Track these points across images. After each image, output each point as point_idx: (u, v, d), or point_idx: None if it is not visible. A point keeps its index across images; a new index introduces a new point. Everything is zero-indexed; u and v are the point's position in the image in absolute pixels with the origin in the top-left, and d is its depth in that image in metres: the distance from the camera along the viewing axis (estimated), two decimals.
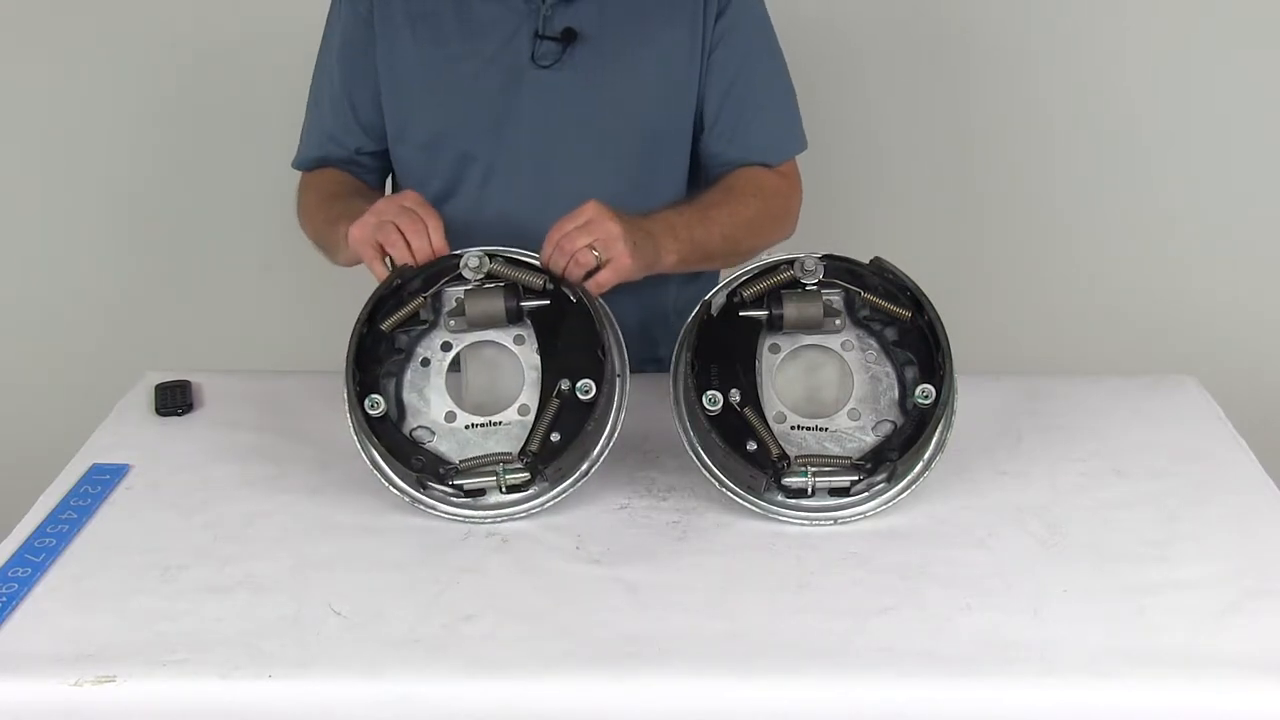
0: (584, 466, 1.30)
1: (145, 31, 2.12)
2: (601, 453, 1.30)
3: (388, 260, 1.30)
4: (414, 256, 1.29)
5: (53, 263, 2.28)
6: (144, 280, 2.29)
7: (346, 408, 1.29)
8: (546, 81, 1.48)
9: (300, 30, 2.10)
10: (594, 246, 1.28)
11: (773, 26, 1.56)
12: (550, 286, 1.31)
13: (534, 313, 1.32)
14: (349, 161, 1.60)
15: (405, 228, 1.29)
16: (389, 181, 1.66)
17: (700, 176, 1.59)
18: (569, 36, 1.46)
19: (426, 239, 1.30)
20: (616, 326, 1.33)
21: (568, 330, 1.31)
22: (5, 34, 2.12)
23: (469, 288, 1.31)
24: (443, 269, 1.31)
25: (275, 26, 2.09)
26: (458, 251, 1.31)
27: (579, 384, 1.28)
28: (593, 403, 1.27)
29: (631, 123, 1.50)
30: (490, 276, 1.31)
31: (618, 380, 1.31)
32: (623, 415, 1.31)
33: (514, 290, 1.31)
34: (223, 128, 2.17)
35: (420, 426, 1.31)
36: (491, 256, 1.31)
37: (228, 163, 2.19)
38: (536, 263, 1.32)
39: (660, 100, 1.51)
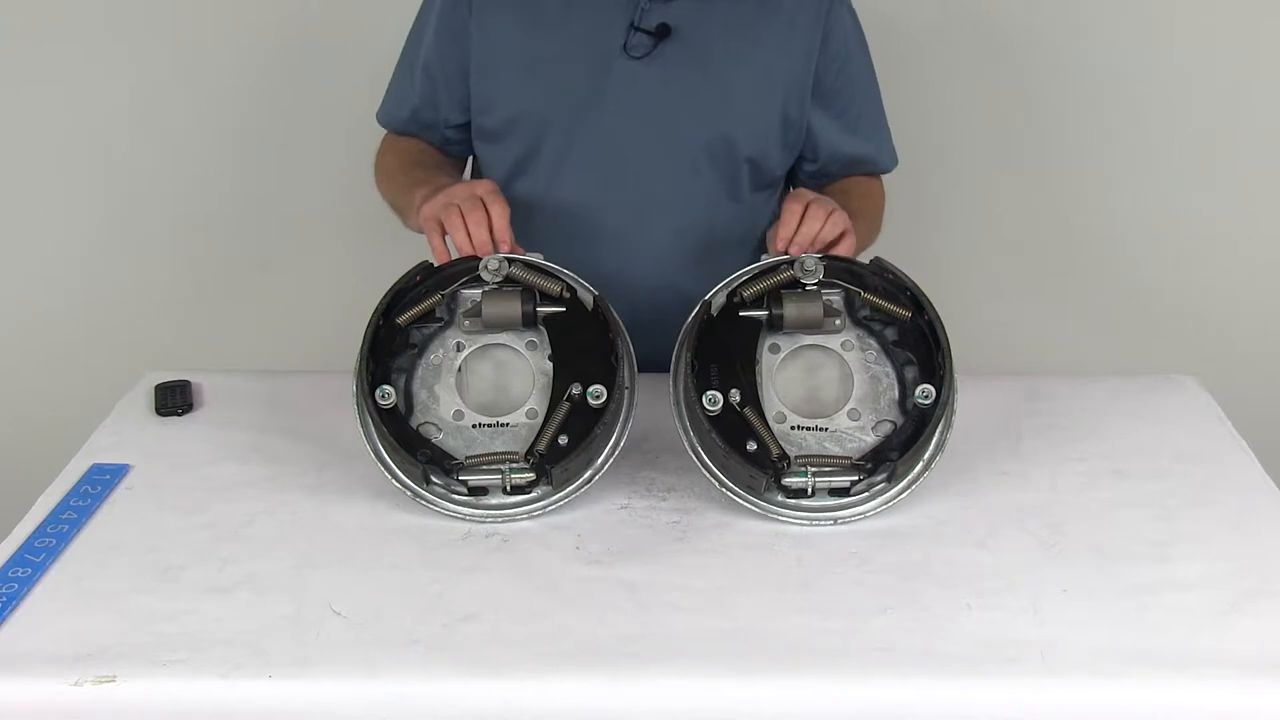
0: (588, 474, 1.30)
1: (143, 31, 2.12)
2: (606, 461, 1.30)
3: (449, 245, 1.34)
4: (471, 243, 1.31)
5: (53, 263, 2.28)
6: (144, 280, 2.28)
7: (355, 397, 1.29)
8: (634, 73, 1.48)
9: (299, 29, 2.11)
10: (836, 214, 1.35)
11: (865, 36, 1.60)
12: (566, 294, 1.32)
13: (548, 319, 1.32)
14: (437, 133, 1.61)
15: (468, 214, 1.32)
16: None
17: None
18: (663, 32, 1.48)
19: (486, 228, 1.32)
20: (628, 339, 1.33)
21: (581, 336, 1.31)
22: (3, 36, 2.12)
23: (487, 289, 1.32)
24: (462, 270, 1.32)
25: (275, 26, 2.09)
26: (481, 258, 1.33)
27: (590, 389, 1.28)
28: (602, 408, 1.27)
29: (711, 129, 1.50)
30: (509, 280, 1.32)
31: (626, 392, 1.32)
32: (629, 426, 1.31)
33: (531, 295, 1.32)
34: (222, 128, 2.17)
35: (427, 422, 1.31)
36: (511, 260, 1.32)
37: (227, 163, 2.19)
38: (554, 270, 1.33)
39: (743, 112, 1.51)
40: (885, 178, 1.67)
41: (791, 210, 1.35)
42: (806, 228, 1.33)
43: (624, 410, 1.32)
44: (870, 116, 1.61)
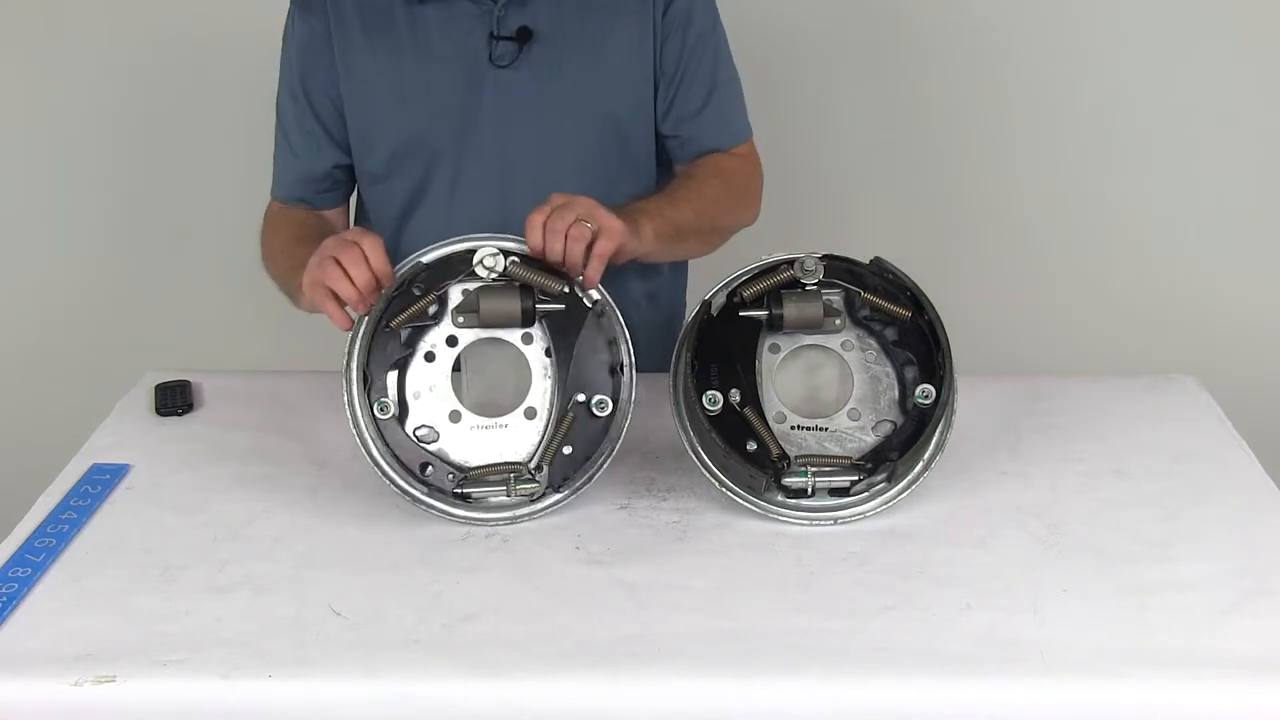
0: (588, 474, 1.30)
1: (141, 31, 2.12)
2: (606, 461, 1.30)
3: (348, 309, 1.28)
4: (355, 285, 1.26)
5: (53, 263, 2.28)
6: (144, 280, 2.29)
7: (346, 407, 1.28)
8: (506, 81, 1.48)
9: None
10: (582, 219, 1.28)
11: (718, 13, 1.57)
12: (567, 291, 1.29)
13: (547, 318, 1.31)
14: (327, 182, 1.58)
15: (343, 258, 1.26)
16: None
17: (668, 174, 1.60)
18: (524, 36, 1.47)
19: (365, 265, 1.26)
20: (629, 338, 1.31)
21: (582, 342, 1.30)
22: (3, 36, 2.13)
23: (482, 285, 1.30)
24: (454, 270, 1.30)
25: (268, 25, 2.09)
26: (472, 245, 1.29)
27: (594, 399, 1.28)
28: (608, 418, 1.27)
29: (593, 116, 1.51)
30: (505, 276, 1.29)
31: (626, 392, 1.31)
32: (626, 423, 1.31)
33: (529, 291, 1.29)
34: (222, 126, 2.17)
35: (424, 425, 1.30)
36: (507, 255, 1.28)
37: (227, 162, 2.19)
38: (555, 266, 1.30)
39: (619, 91, 1.52)
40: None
41: (531, 222, 1.28)
42: (549, 245, 1.27)
43: (624, 413, 1.31)
44: (723, 89, 1.57)
